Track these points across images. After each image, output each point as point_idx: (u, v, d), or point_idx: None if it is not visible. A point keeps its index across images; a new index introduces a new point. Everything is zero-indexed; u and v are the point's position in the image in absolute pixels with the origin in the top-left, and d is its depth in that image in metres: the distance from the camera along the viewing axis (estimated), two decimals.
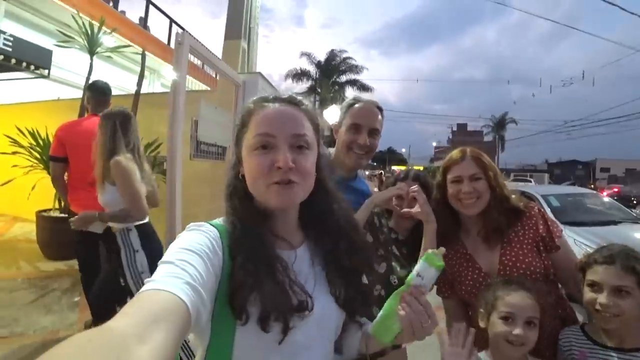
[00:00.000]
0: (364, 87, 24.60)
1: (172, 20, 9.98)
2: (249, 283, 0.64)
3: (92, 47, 4.54)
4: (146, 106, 4.28)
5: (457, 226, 1.32)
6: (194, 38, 2.76)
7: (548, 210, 5.11)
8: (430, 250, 0.74)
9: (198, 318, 0.55)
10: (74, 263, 4.08)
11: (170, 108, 2.43)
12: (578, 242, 4.32)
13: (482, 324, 1.11)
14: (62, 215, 4.42)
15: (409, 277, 0.72)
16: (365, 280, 0.85)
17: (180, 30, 2.60)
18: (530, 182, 23.97)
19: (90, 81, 4.59)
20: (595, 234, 4.46)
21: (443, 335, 1.36)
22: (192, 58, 3.12)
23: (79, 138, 2.60)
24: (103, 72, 6.80)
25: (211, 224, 0.72)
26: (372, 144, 1.45)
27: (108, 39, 5.01)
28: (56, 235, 4.24)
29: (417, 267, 0.73)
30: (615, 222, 4.99)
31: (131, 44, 5.07)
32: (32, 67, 5.75)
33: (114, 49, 4.96)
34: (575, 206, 5.49)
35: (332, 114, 1.72)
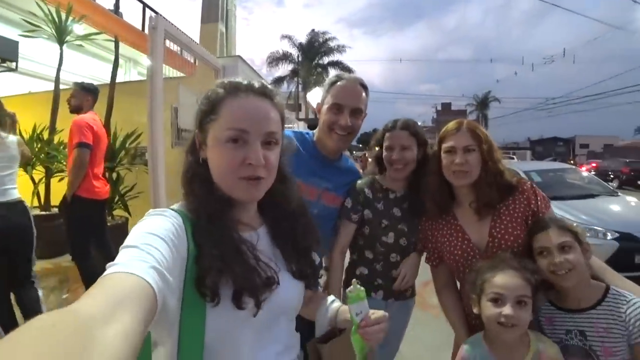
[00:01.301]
0: (347, 69, 24.38)
1: (145, 5, 9.56)
2: (218, 267, 0.65)
3: (60, 36, 4.33)
4: (123, 95, 4.14)
5: (451, 197, 1.34)
6: (169, 22, 2.65)
7: None
8: (347, 291, 0.83)
9: (165, 304, 0.55)
10: (61, 261, 4.03)
11: (149, 96, 2.35)
12: (559, 215, 4.46)
13: (475, 310, 1.12)
14: (45, 213, 4.30)
15: (353, 321, 0.81)
16: (315, 257, 0.92)
17: (153, 14, 2.48)
18: (513, 159, 24.50)
19: (60, 72, 4.44)
20: (575, 207, 4.64)
21: (429, 310, 1.38)
22: (168, 44, 3.02)
23: (99, 131, 2.99)
24: (75, 62, 6.52)
25: (173, 210, 0.71)
26: (355, 124, 1.40)
27: (78, 27, 4.77)
28: (39, 234, 4.11)
29: (352, 310, 0.81)
30: (593, 196, 5.19)
31: (103, 31, 4.84)
32: None
33: (85, 37, 4.74)
34: (556, 181, 5.67)
35: (315, 97, 1.69)
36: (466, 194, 1.30)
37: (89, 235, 2.93)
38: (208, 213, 0.70)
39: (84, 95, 3.05)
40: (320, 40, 24.76)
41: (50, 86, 4.62)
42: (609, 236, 4.16)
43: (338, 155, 1.54)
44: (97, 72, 6.73)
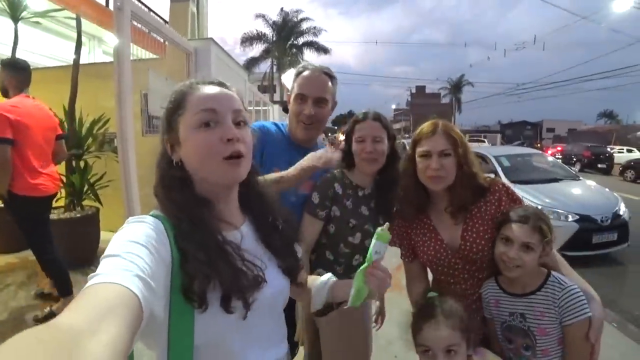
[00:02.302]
0: (322, 49, 24.02)
1: None
2: (204, 273, 0.64)
3: (14, 11, 3.98)
4: (88, 78, 3.90)
5: (426, 199, 1.34)
6: (138, 2, 2.50)
7: (499, 170, 5.48)
8: (379, 229, 0.88)
9: (152, 313, 0.54)
10: (27, 254, 3.81)
11: (116, 81, 2.23)
12: (525, 199, 4.69)
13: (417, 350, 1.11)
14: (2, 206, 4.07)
15: (369, 256, 0.85)
16: (298, 249, 0.93)
17: None
18: (484, 142, 25.33)
19: (16, 51, 4.11)
20: (540, 191, 4.92)
21: (403, 291, 1.43)
22: (137, 24, 2.85)
23: (26, 119, 2.48)
24: (33, 40, 6.05)
25: (153, 216, 0.70)
26: (319, 113, 1.40)
27: (36, 2, 4.41)
28: (5, 226, 3.88)
29: (373, 246, 0.86)
30: (557, 180, 5.49)
31: (63, 7, 4.50)
32: None
33: (42, 14, 4.39)
34: (524, 166, 5.94)
35: (289, 79, 1.67)
36: (441, 197, 1.31)
37: (38, 230, 2.64)
38: (189, 217, 0.69)
39: (8, 74, 2.58)
40: (294, 19, 24.14)
41: None
42: (570, 218, 4.47)
43: (312, 143, 1.54)
44: (59, 52, 6.28)
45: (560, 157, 18.31)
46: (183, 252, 0.66)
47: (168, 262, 0.63)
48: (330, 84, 1.42)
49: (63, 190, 3.60)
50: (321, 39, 24.60)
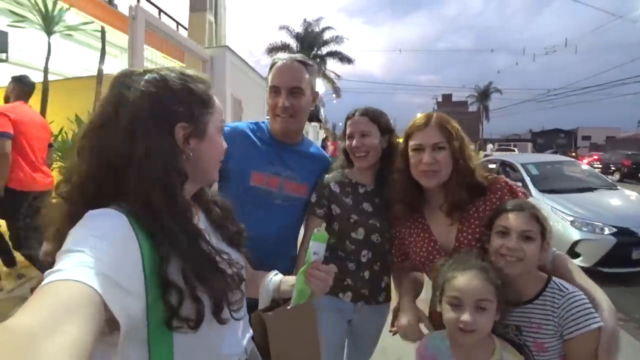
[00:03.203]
0: (345, 59, 24.07)
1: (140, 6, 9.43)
2: (194, 296, 0.62)
3: (48, 26, 4.23)
4: None
5: (420, 196, 1.25)
6: (152, 4, 2.56)
7: (527, 179, 5.18)
8: (315, 230, 0.91)
9: (125, 309, 0.51)
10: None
11: None
12: (555, 209, 4.40)
13: (438, 309, 1.07)
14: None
15: (308, 258, 0.89)
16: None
17: (133, 4, 2.40)
18: (514, 151, 24.42)
19: (49, 62, 4.35)
20: (572, 201, 4.57)
21: (419, 304, 1.32)
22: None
23: (25, 119, 2.86)
24: (67, 52, 6.41)
25: (116, 209, 0.62)
26: (294, 104, 1.32)
27: (70, 17, 4.67)
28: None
29: (311, 248, 0.89)
30: (591, 189, 5.10)
31: (94, 20, 4.74)
32: None
33: (73, 28, 4.64)
34: (554, 174, 5.58)
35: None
36: (435, 194, 1.22)
37: (27, 222, 2.81)
38: (181, 230, 0.65)
39: (11, 86, 3.05)
40: (317, 30, 24.38)
41: (40, 76, 4.54)
42: (607, 231, 4.10)
43: (297, 139, 1.46)
44: (88, 62, 6.62)
45: (598, 166, 17.27)
46: (165, 283, 0.60)
47: (137, 257, 0.58)
48: (306, 72, 1.35)
49: None
50: (345, 49, 24.62)
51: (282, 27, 24.49)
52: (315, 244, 0.89)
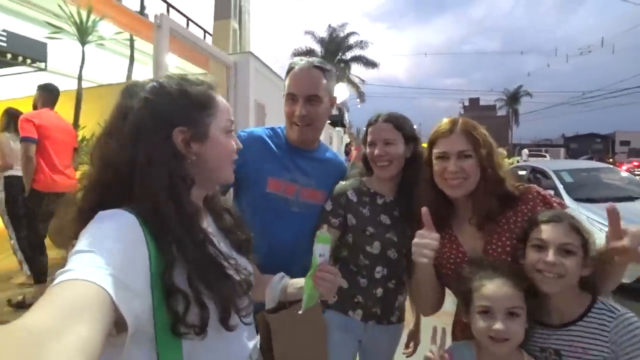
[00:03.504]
0: (370, 63, 23.99)
1: (169, 5, 9.78)
2: (200, 301, 0.62)
3: (82, 36, 4.45)
4: None
5: (447, 206, 1.18)
6: (181, 14, 2.63)
7: (560, 187, 4.91)
8: (318, 233, 0.89)
9: (132, 310, 0.51)
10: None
11: None
12: (591, 219, 4.13)
13: (464, 319, 1.02)
14: None
15: (314, 261, 0.87)
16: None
17: (159, 13, 2.48)
18: (546, 157, 23.36)
19: (82, 69, 4.56)
20: None
21: (441, 316, 1.24)
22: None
23: (49, 124, 3.04)
24: (98, 60, 6.71)
25: (126, 211, 0.63)
26: (311, 112, 1.27)
27: (104, 28, 4.90)
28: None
29: (317, 250, 0.87)
30: (632, 198, 4.74)
31: (125, 30, 4.94)
32: (29, 61, 5.69)
33: (105, 38, 4.85)
34: (590, 182, 5.24)
35: (338, 93, 1.56)
36: (463, 205, 1.15)
37: (41, 223, 3.00)
38: (188, 233, 0.65)
39: (37, 93, 3.23)
40: (341, 35, 24.45)
41: (75, 84, 4.77)
42: None
43: (313, 145, 1.41)
44: (120, 70, 6.92)
45: (639, 173, 16.22)
46: (169, 289, 0.60)
47: (146, 261, 0.59)
48: (323, 78, 1.29)
49: None
50: (369, 53, 24.53)
51: (307, 32, 24.79)
52: (319, 245, 0.88)
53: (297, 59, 1.36)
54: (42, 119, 3.01)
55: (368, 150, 1.33)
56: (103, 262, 0.50)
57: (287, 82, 1.32)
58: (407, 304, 1.45)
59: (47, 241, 3.36)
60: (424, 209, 1.05)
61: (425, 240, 1.01)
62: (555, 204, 1.08)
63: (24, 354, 0.32)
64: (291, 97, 1.29)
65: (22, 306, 2.89)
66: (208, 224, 0.81)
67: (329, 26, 24.66)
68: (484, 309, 0.93)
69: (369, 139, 1.33)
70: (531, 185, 1.15)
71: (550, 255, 0.92)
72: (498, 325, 0.90)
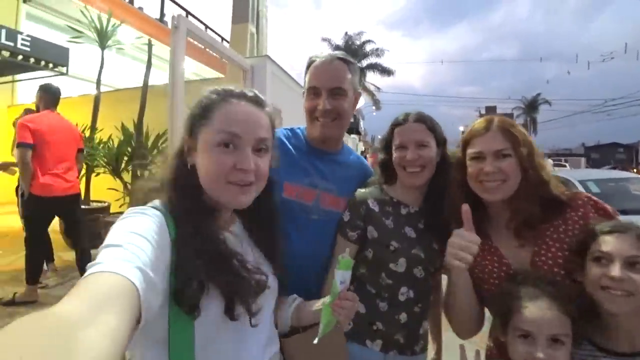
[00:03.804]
0: (386, 71, 23.91)
1: (187, 12, 9.97)
2: (199, 279, 0.64)
3: (102, 41, 4.51)
4: (157, 97, 4.21)
5: (482, 213, 1.07)
6: (193, 22, 2.60)
7: None
8: (340, 257, 0.82)
9: (149, 305, 0.52)
10: (94, 252, 4.16)
11: (170, 96, 2.31)
12: None
13: (501, 338, 0.91)
14: (84, 207, 4.49)
15: (334, 288, 0.80)
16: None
17: (176, 14, 2.47)
18: (565, 166, 22.70)
19: (101, 74, 4.63)
20: None
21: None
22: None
23: (45, 128, 2.98)
24: (116, 65, 6.83)
25: (155, 208, 0.68)
26: (336, 106, 1.17)
27: (123, 33, 4.98)
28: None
29: (338, 277, 0.81)
30: None
31: (145, 35, 5.01)
32: (51, 65, 5.84)
33: (123, 43, 4.92)
34: (619, 192, 4.98)
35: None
36: (501, 210, 1.04)
37: (37, 228, 3.06)
38: (194, 224, 0.68)
39: (38, 95, 3.20)
40: (357, 42, 24.50)
41: (94, 88, 4.83)
42: None
43: (336, 147, 1.30)
44: (138, 76, 7.04)
45: None
46: (179, 256, 0.64)
47: (168, 257, 0.62)
48: (348, 71, 1.19)
49: (127, 198, 3.90)
50: (385, 61, 24.50)
51: (324, 39, 24.93)
52: (341, 272, 0.81)
53: (317, 53, 1.26)
54: (37, 122, 2.97)
55: (395, 154, 1.16)
56: (130, 255, 0.52)
57: (308, 77, 1.22)
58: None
59: (62, 243, 3.39)
60: (465, 206, 0.94)
61: (465, 242, 0.90)
62: (610, 211, 0.96)
63: (56, 339, 0.33)
64: (313, 91, 1.19)
65: (11, 304, 2.93)
66: (234, 228, 0.82)
67: (346, 34, 24.76)
68: (524, 333, 0.83)
69: (397, 141, 1.17)
70: (578, 191, 1.03)
71: (616, 270, 0.80)
72: (540, 355, 0.79)
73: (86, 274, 0.48)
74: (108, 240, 0.56)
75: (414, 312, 1.17)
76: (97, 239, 3.98)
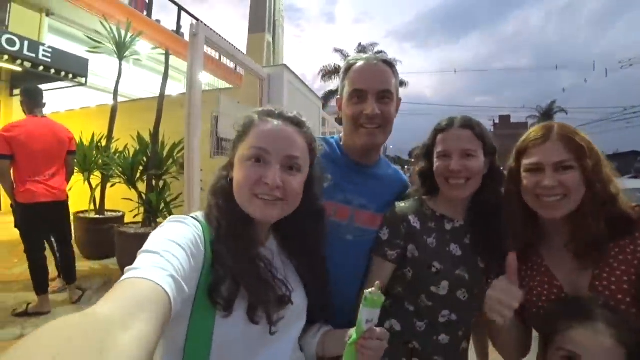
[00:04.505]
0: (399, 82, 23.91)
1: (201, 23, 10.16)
2: (234, 278, 0.67)
3: (120, 51, 4.57)
4: (174, 107, 4.22)
5: (536, 230, 0.97)
6: (211, 30, 2.58)
7: None
8: (367, 292, 0.74)
9: (177, 311, 0.54)
10: (108, 262, 4.18)
11: (187, 104, 2.27)
12: None
13: None
14: (98, 216, 4.50)
15: (359, 327, 0.73)
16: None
17: (194, 21, 2.47)
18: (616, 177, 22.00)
19: (118, 85, 4.68)
20: None
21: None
22: (224, 60, 2.99)
23: (22, 136, 2.88)
24: (138, 77, 6.95)
25: (194, 218, 0.73)
26: (385, 111, 1.07)
27: (140, 44, 5.05)
28: (93, 236, 4.37)
29: (363, 315, 0.73)
30: None
31: (158, 46, 5.08)
32: (71, 76, 5.97)
33: (140, 54, 4.99)
34: None
35: None
36: (558, 227, 0.93)
37: (31, 234, 2.98)
38: (228, 228, 0.72)
39: (22, 98, 3.11)
40: (370, 53, 24.60)
41: (111, 99, 4.89)
42: None
43: (374, 159, 1.20)
44: (154, 86, 7.15)
45: None
46: (216, 256, 0.69)
47: (200, 265, 0.66)
48: (392, 75, 1.10)
49: (141, 208, 3.87)
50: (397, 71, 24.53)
51: (336, 50, 25.00)
52: (367, 310, 0.73)
53: (355, 54, 1.16)
54: (16, 132, 2.87)
55: (438, 163, 1.06)
56: (165, 263, 0.55)
57: (349, 80, 1.11)
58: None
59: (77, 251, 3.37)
60: (512, 255, 0.85)
61: (505, 297, 0.80)
62: None
63: (94, 338, 0.34)
64: (357, 95, 1.08)
65: (24, 315, 2.88)
66: (268, 244, 0.83)
67: (359, 44, 24.83)
68: (568, 355, 0.73)
69: (439, 148, 1.06)
70: None
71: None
72: None
73: (123, 277, 0.50)
74: (146, 246, 0.59)
75: (457, 336, 1.07)
76: (111, 248, 3.98)
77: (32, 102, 3.09)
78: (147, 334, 0.41)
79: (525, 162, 0.92)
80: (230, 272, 0.67)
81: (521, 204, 0.94)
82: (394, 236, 1.08)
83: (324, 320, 0.92)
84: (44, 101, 3.18)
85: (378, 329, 0.74)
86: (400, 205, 1.12)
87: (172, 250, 0.58)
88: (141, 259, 0.55)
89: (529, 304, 0.95)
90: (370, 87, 1.07)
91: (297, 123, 0.80)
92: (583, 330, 0.74)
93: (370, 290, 0.74)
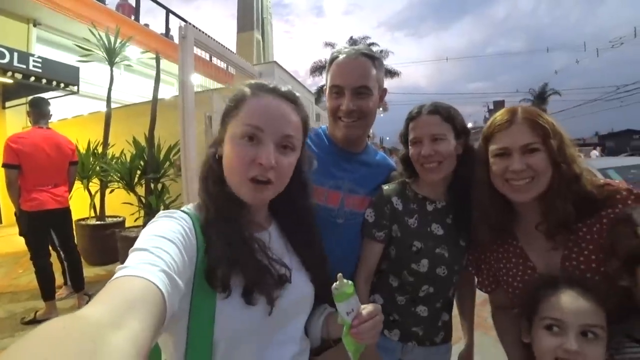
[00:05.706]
0: (391, 73, 23.76)
1: (192, 25, 10.13)
2: (228, 260, 0.65)
3: (110, 58, 4.58)
4: (168, 109, 4.25)
5: (508, 213, 0.99)
6: (200, 31, 2.61)
7: None
8: (333, 288, 0.72)
9: (172, 307, 0.53)
10: (113, 267, 4.20)
11: (180, 105, 2.31)
12: None
13: (525, 339, 0.85)
14: (99, 222, 4.54)
15: (343, 321, 0.73)
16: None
17: (183, 24, 2.48)
18: (580, 157, 22.13)
19: (111, 91, 4.69)
20: None
21: (490, 332, 1.08)
22: (215, 60, 3.01)
23: (28, 148, 2.97)
24: (129, 83, 6.95)
25: (183, 212, 0.71)
26: (361, 106, 1.10)
27: (131, 51, 5.06)
28: (95, 242, 4.41)
29: (342, 309, 0.72)
30: None
31: (149, 50, 5.08)
32: (62, 85, 5.97)
33: (131, 59, 4.99)
34: None
35: None
36: (529, 209, 0.95)
37: (36, 239, 3.06)
38: (217, 209, 0.71)
39: (30, 110, 3.20)
40: (362, 45, 24.48)
41: (104, 106, 4.91)
42: None
43: (360, 146, 1.25)
44: (146, 91, 7.16)
45: None
46: (208, 240, 0.67)
47: (193, 258, 0.64)
48: (372, 68, 1.12)
49: (142, 211, 3.91)
50: (390, 62, 24.32)
51: (327, 44, 24.83)
52: (342, 304, 0.72)
53: (340, 47, 1.19)
54: (23, 143, 2.98)
55: (411, 149, 1.12)
56: (155, 259, 0.53)
57: (330, 74, 1.16)
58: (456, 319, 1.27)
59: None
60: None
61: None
62: None
63: (85, 341, 0.33)
64: (336, 90, 1.13)
65: (32, 322, 2.93)
66: (271, 229, 0.82)
67: (351, 38, 24.63)
68: (551, 323, 0.76)
69: (411, 135, 1.13)
70: (618, 185, 0.91)
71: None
72: (570, 345, 0.72)
73: (113, 277, 0.49)
74: (136, 244, 0.58)
75: (435, 307, 1.15)
76: (114, 253, 4.03)
77: (38, 113, 3.18)
78: (139, 333, 0.41)
79: (492, 147, 0.94)
80: (224, 255, 0.65)
81: (492, 190, 0.96)
82: (379, 217, 1.15)
83: (328, 303, 0.90)
84: (51, 112, 3.29)
85: (365, 311, 0.72)
86: (385, 187, 1.19)
87: (162, 245, 0.57)
88: (131, 257, 0.54)
89: (508, 285, 1.00)
90: (346, 83, 1.11)
91: (291, 99, 0.76)
92: (562, 295, 0.78)
93: (334, 285, 0.72)
